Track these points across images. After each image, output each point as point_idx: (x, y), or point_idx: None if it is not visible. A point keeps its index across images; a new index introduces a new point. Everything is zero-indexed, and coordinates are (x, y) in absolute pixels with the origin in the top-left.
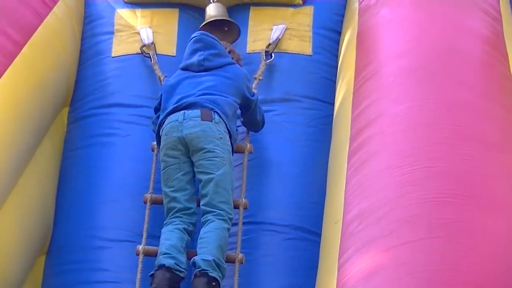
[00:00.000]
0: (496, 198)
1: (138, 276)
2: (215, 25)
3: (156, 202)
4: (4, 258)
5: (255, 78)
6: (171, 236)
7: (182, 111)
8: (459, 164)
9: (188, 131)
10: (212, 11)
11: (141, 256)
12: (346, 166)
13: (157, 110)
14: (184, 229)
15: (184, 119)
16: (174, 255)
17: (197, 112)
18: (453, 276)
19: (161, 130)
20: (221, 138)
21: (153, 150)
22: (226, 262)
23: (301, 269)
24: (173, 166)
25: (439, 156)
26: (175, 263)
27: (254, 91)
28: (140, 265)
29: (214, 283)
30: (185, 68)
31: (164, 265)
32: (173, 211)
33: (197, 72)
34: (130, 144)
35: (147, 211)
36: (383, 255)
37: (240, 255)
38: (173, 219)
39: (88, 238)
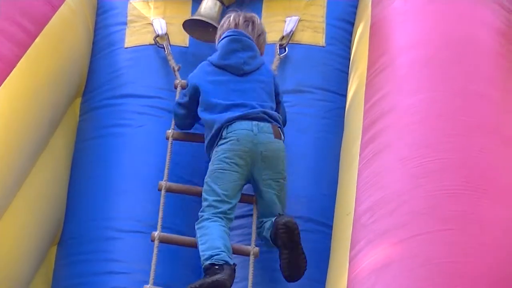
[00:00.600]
0: (509, 191)
1: (154, 261)
2: (202, 23)
3: (171, 191)
4: (15, 249)
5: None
6: (225, 236)
7: (255, 122)
8: (473, 156)
9: (265, 148)
10: (204, 9)
11: (156, 242)
12: (358, 158)
13: (187, 103)
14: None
15: (258, 132)
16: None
17: (269, 127)
18: (466, 268)
19: (223, 129)
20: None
21: (167, 139)
22: (241, 255)
23: (313, 261)
24: (235, 173)
25: (453, 147)
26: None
27: None
28: (155, 251)
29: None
30: (221, 67)
31: (230, 263)
32: (218, 210)
33: (237, 75)
34: (143, 135)
35: (162, 199)
36: (395, 247)
37: (256, 249)
38: (219, 219)
39: (100, 229)
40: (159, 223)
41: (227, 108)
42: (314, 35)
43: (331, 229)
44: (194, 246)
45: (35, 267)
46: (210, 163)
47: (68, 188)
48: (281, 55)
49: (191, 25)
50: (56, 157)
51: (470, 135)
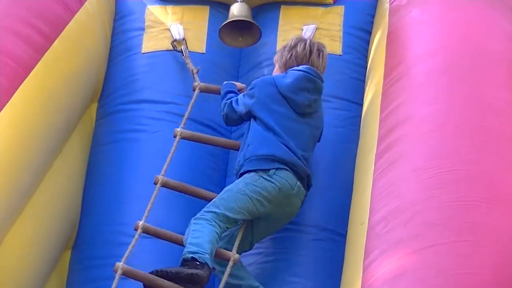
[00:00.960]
0: None
1: (132, 244)
2: (237, 25)
3: (167, 186)
4: (30, 252)
5: None
6: (215, 243)
7: (299, 183)
8: (489, 167)
9: (290, 210)
10: (236, 10)
11: (139, 230)
12: (373, 167)
13: (242, 114)
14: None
15: (295, 194)
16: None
17: (303, 193)
18: (482, 279)
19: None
20: None
21: (175, 136)
22: (221, 259)
23: (327, 270)
24: (255, 210)
25: (469, 158)
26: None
27: None
28: (133, 242)
29: None
30: (286, 98)
31: (210, 266)
32: (221, 221)
33: (296, 112)
34: (158, 141)
35: (155, 192)
36: (409, 258)
37: (236, 255)
38: (217, 226)
39: (113, 234)
40: (145, 215)
41: (281, 145)
42: (331, 43)
43: (345, 238)
44: (179, 243)
45: (48, 271)
46: (241, 179)
47: (83, 193)
48: None
49: (225, 30)
50: (71, 161)
51: (486, 146)
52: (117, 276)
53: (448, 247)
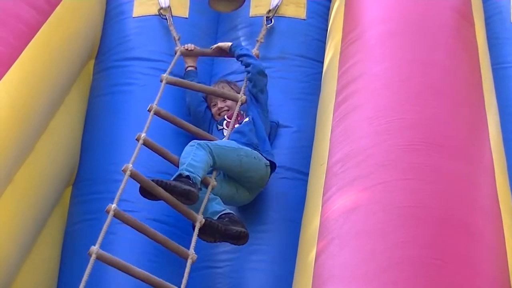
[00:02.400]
0: (460, 146)
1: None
2: None
3: (147, 145)
4: (36, 189)
5: (257, 41)
6: (205, 174)
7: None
8: (428, 116)
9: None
10: None
11: (111, 213)
12: (332, 116)
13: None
14: None
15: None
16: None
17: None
18: (422, 212)
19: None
20: None
21: (161, 81)
22: (179, 256)
23: (292, 203)
24: (238, 176)
25: (412, 109)
26: None
27: (256, 51)
28: (122, 185)
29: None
30: None
31: (199, 189)
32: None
33: None
34: (147, 93)
35: (136, 150)
36: (361, 194)
37: (194, 255)
38: (212, 159)
39: (109, 172)
40: (118, 196)
41: None
42: (297, 9)
43: (307, 177)
44: (175, 163)
45: (54, 201)
46: (250, 150)
47: (82, 137)
48: (268, 26)
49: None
50: (72, 110)
51: (426, 98)
52: (109, 216)
53: (394, 184)
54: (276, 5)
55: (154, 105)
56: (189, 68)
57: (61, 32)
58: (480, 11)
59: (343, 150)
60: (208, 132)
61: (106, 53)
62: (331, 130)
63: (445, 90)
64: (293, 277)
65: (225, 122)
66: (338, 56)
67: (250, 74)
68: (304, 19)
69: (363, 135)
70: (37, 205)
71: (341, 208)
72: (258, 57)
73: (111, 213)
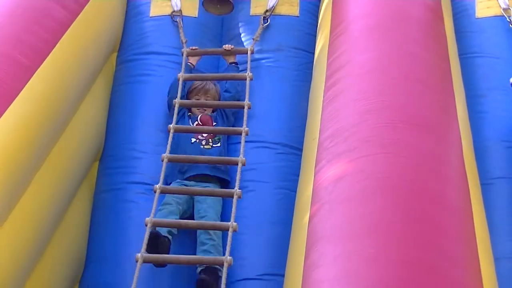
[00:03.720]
0: (432, 125)
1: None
2: None
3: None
4: (70, 159)
5: (254, 39)
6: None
7: None
8: (406, 98)
9: None
10: None
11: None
12: (322, 99)
13: None
14: None
15: None
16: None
17: None
18: (397, 182)
19: None
20: None
21: (178, 80)
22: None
23: (288, 175)
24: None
25: (390, 92)
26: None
27: (252, 48)
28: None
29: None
30: None
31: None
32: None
33: None
34: (162, 83)
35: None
36: (347, 165)
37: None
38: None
39: (129, 150)
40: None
41: None
42: (291, 7)
43: (301, 152)
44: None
45: (82, 175)
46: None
47: (107, 120)
48: (264, 25)
49: (207, 2)
50: (97, 96)
51: (404, 83)
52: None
53: (375, 157)
54: (273, 5)
55: (177, 99)
56: (188, 64)
57: (89, 29)
58: (449, 8)
59: (332, 128)
60: (179, 121)
61: (127, 47)
62: (322, 110)
63: (419, 77)
64: (289, 237)
65: (196, 123)
66: (327, 48)
67: (229, 92)
68: (297, 16)
69: (349, 115)
70: (68, 177)
71: (331, 177)
72: (253, 52)
73: (158, 191)
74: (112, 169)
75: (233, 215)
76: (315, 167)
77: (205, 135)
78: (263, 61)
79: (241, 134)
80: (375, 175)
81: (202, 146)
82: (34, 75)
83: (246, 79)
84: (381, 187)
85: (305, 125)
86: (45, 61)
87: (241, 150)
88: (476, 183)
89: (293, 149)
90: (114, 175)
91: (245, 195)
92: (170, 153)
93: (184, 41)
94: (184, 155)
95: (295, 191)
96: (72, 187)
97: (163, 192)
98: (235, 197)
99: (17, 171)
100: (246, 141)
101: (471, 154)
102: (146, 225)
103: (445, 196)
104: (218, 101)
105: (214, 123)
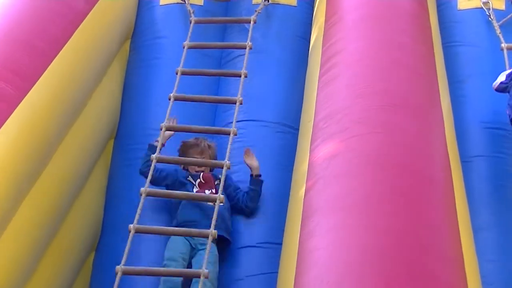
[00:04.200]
0: (417, 107)
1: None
2: None
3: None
4: (88, 137)
5: (256, 11)
6: None
7: None
8: (393, 84)
9: None
10: None
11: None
12: (318, 82)
13: None
14: None
15: None
16: None
17: None
18: (386, 160)
19: None
20: None
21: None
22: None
23: (285, 151)
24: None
25: (381, 78)
26: None
27: (250, 44)
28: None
29: None
30: None
31: None
32: None
33: None
34: (172, 65)
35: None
36: (340, 144)
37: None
38: None
39: (143, 129)
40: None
41: None
42: None
43: (298, 131)
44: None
45: (99, 152)
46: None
47: (122, 100)
48: (266, 3)
49: None
50: (113, 79)
51: (393, 70)
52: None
53: (366, 137)
54: None
55: (173, 94)
56: (156, 144)
57: (105, 17)
58: (433, 1)
59: (326, 110)
60: (180, 188)
61: (139, 34)
62: (317, 94)
63: (407, 64)
64: (286, 210)
65: (198, 181)
66: (322, 36)
67: (245, 204)
68: (295, 6)
69: (342, 99)
70: (86, 154)
71: (325, 155)
72: (251, 48)
73: (154, 160)
74: (126, 146)
75: (213, 222)
76: (311, 145)
77: (207, 191)
78: (262, 48)
79: (222, 167)
80: (366, 153)
81: (207, 203)
82: (54, 60)
83: (241, 76)
84: (371, 164)
85: (301, 107)
86: (63, 47)
87: (227, 155)
88: (457, 161)
89: (291, 129)
90: (129, 152)
91: (246, 170)
92: (174, 210)
93: (191, 11)
94: (164, 191)
95: (292, 169)
96: (90, 162)
97: (149, 195)
98: (217, 202)
99: (44, 142)
100: (247, 120)
101: (453, 135)
102: (117, 274)
103: (429, 172)
104: (212, 97)
105: (216, 181)
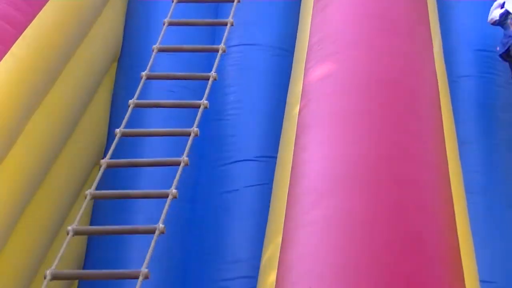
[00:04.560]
0: (408, 28)
1: None
2: None
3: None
4: (94, 60)
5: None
6: None
7: None
8: (386, 9)
9: None
10: None
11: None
12: (313, 6)
13: None
14: None
15: None
16: None
17: None
18: (376, 77)
19: None
20: None
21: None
22: None
23: (281, 74)
24: None
25: (373, 2)
26: None
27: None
28: None
29: None
30: None
31: None
32: None
33: None
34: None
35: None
36: (333, 65)
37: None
38: None
39: (145, 49)
40: None
41: None
42: None
43: (292, 54)
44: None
45: (103, 73)
46: None
47: (125, 24)
48: None
49: None
50: (115, 6)
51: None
52: None
53: (358, 58)
54: None
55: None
56: None
57: None
58: None
59: (321, 33)
60: None
61: None
62: (312, 18)
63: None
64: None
65: None
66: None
67: None
68: None
69: (336, 22)
70: (91, 77)
71: (319, 75)
72: (232, 25)
73: (144, 77)
74: (128, 68)
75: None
76: (306, 66)
77: None
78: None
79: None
80: (357, 73)
81: None
82: None
83: (209, 79)
84: (364, 84)
85: (296, 31)
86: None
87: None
88: (444, 80)
89: (285, 51)
90: (132, 73)
91: (243, 90)
92: None
93: None
94: (126, 160)
95: (287, 89)
96: (94, 84)
97: (95, 197)
98: (170, 197)
99: (49, 63)
100: (244, 44)
101: (441, 56)
102: (45, 278)
103: (417, 88)
104: (173, 102)
105: None
